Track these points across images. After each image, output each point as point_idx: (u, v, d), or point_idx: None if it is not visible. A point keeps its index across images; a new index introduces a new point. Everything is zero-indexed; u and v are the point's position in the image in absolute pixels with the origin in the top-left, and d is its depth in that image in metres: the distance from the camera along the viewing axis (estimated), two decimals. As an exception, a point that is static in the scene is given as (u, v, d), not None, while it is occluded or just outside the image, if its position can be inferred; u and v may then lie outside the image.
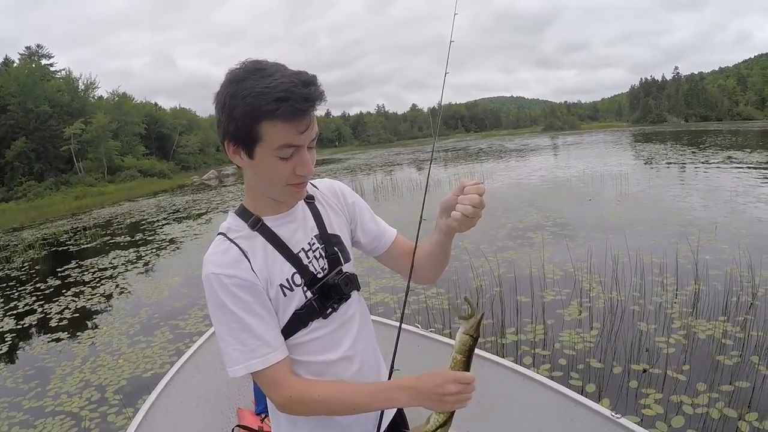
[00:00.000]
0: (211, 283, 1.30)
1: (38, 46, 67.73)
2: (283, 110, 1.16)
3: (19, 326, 8.19)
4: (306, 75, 1.21)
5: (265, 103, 1.16)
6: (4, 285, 11.77)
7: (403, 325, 3.34)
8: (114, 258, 13.03)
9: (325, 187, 1.60)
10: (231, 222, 1.42)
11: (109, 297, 9.22)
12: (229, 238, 1.37)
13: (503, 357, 3.22)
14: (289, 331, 1.39)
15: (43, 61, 66.79)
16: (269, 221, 1.41)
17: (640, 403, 3.96)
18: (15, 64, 63.19)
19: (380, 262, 1.70)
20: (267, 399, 1.47)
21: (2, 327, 8.27)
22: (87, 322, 7.94)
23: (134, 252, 13.52)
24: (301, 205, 1.49)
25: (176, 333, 6.67)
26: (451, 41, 1.82)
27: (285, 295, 1.37)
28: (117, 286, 9.99)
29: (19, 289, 11.01)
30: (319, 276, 1.44)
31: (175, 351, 6.05)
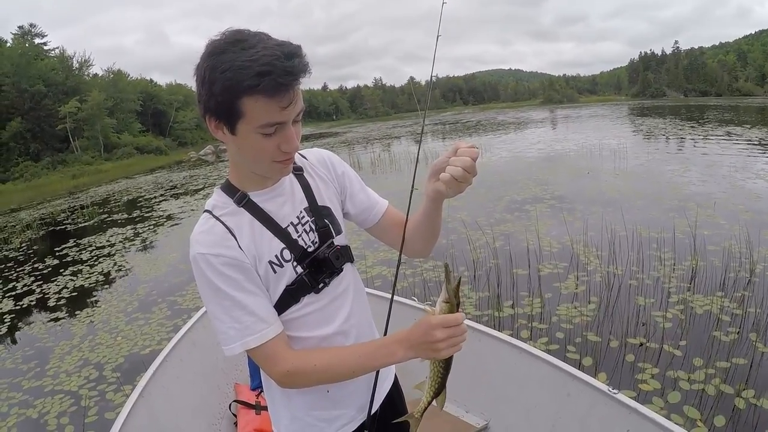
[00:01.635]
0: (198, 263, 1.27)
1: (31, 25, 66.07)
2: (265, 85, 1.10)
3: (17, 307, 8.20)
4: (290, 46, 1.15)
5: (246, 78, 1.10)
6: (2, 266, 11.73)
7: (400, 299, 3.34)
8: (112, 236, 13.02)
9: (314, 157, 1.56)
10: (216, 199, 1.38)
11: (107, 275, 9.22)
12: (214, 216, 1.33)
13: (500, 330, 3.21)
14: (281, 307, 1.37)
15: (36, 40, 65.32)
16: (255, 196, 1.37)
17: (637, 378, 3.98)
18: (8, 44, 61.79)
19: (371, 234, 1.67)
20: (262, 374, 1.46)
21: (1, 308, 8.27)
22: (85, 300, 7.94)
23: (132, 229, 13.50)
24: (289, 177, 1.45)
25: (174, 309, 6.68)
26: (443, 2, 1.78)
27: (275, 271, 1.35)
28: (115, 264, 9.98)
29: (17, 269, 11.00)
30: (309, 250, 1.40)
31: (173, 327, 6.06)
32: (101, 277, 9.09)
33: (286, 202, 1.41)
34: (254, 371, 3.59)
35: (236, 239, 1.30)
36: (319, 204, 1.47)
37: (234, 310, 1.28)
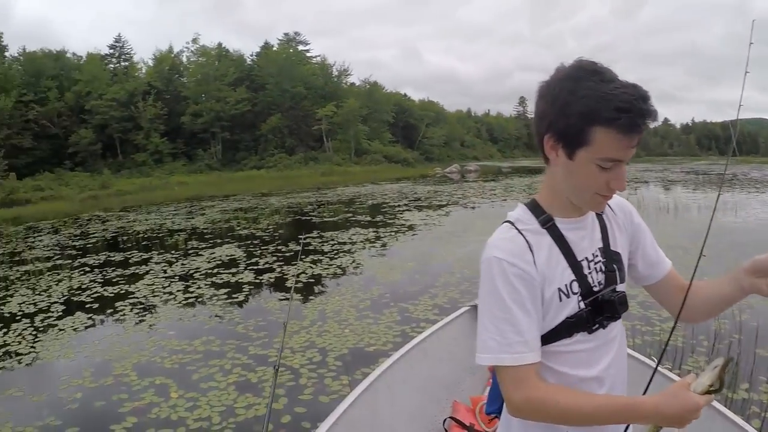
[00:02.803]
0: (491, 266, 1.39)
1: (296, 33, 78.27)
2: (623, 121, 1.23)
3: (257, 280, 9.45)
4: (643, 89, 1.26)
5: (605, 110, 1.23)
6: (249, 242, 13.66)
7: (634, 353, 3.22)
8: (353, 234, 14.17)
9: (614, 202, 1.63)
10: (520, 213, 1.51)
11: (344, 270, 10.06)
12: (516, 228, 1.46)
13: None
14: (552, 337, 1.44)
15: (300, 47, 76.52)
16: (560, 223, 1.48)
17: None
18: (274, 48, 73.27)
19: (648, 291, 1.72)
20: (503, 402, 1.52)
21: (242, 278, 9.58)
22: (320, 289, 8.79)
23: (373, 232, 14.53)
24: (592, 214, 1.54)
25: (404, 316, 7.01)
26: (750, 42, 1.68)
27: (560, 300, 1.43)
28: (353, 261, 10.86)
29: (261, 248, 12.68)
30: (595, 289, 1.48)
31: (400, 333, 6.37)
32: (338, 271, 9.94)
33: (585, 237, 1.51)
34: (497, 394, 3.63)
35: (533, 255, 1.41)
36: (611, 248, 1.55)
37: (503, 324, 1.37)
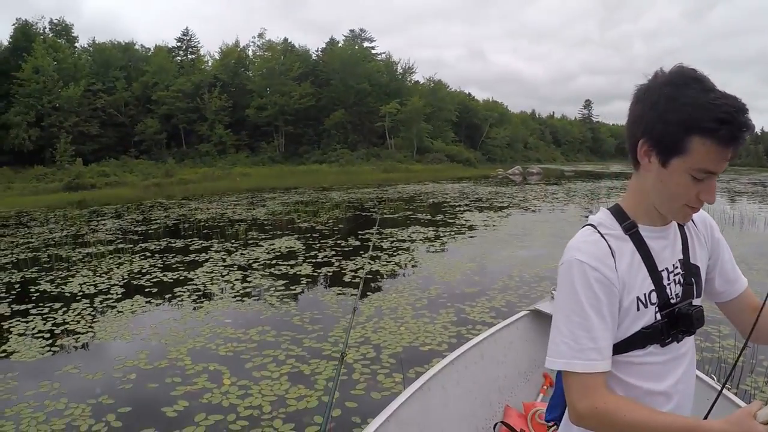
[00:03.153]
0: (572, 268, 1.38)
1: (361, 30, 79.00)
2: (723, 133, 1.22)
3: (314, 273, 9.51)
4: (742, 101, 1.25)
5: (706, 119, 1.22)
6: (309, 235, 13.81)
7: (697, 373, 3.08)
8: (413, 232, 14.15)
9: (696, 215, 1.61)
10: (603, 218, 1.49)
11: (402, 267, 10.04)
12: (599, 232, 1.44)
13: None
14: (625, 347, 1.43)
15: (365, 44, 77.23)
16: (644, 230, 1.46)
17: None
18: (339, 44, 74.26)
19: (721, 309, 1.71)
20: (564, 410, 1.51)
21: (300, 270, 9.66)
22: (377, 285, 8.76)
23: (433, 231, 14.47)
24: (674, 224, 1.53)
25: (461, 317, 6.93)
26: None
27: (638, 309, 1.42)
28: (412, 259, 10.83)
29: (321, 241, 12.80)
30: (672, 301, 1.47)
31: (456, 334, 6.29)
32: (396, 268, 9.92)
33: (667, 247, 1.50)
34: (559, 402, 3.56)
35: (615, 261, 1.40)
36: (691, 261, 1.55)
37: (578, 329, 1.36)
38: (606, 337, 1.36)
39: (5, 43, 55.83)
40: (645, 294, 1.42)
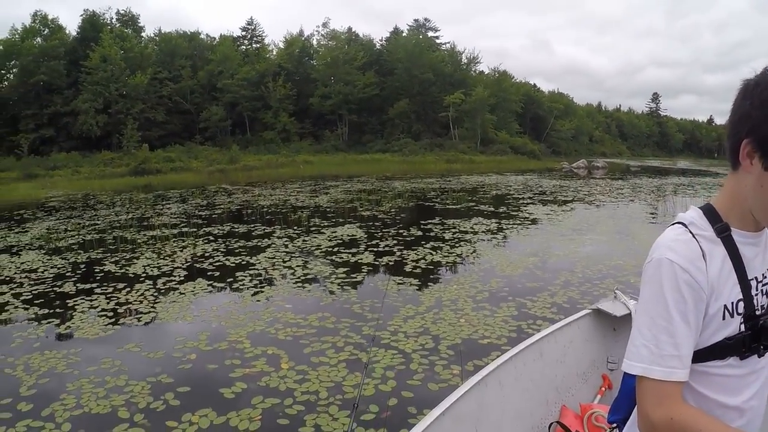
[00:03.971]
0: (661, 268, 1.32)
1: (425, 19, 79.14)
2: None
3: (376, 262, 9.59)
4: None
5: None
6: (371, 224, 13.94)
7: None
8: (475, 224, 14.06)
9: None
10: (695, 217, 1.42)
11: (464, 259, 10.01)
12: (691, 232, 1.37)
13: None
14: (704, 356, 1.37)
15: (429, 34, 77.46)
16: (736, 235, 1.39)
17: None
18: (404, 34, 74.71)
19: None
20: (633, 415, 1.49)
21: (362, 259, 9.76)
22: (438, 276, 8.76)
23: (495, 223, 14.35)
24: (766, 232, 1.46)
25: (521, 311, 6.86)
26: None
27: (723, 318, 1.35)
28: (474, 251, 10.77)
29: (382, 230, 12.89)
30: (757, 313, 1.39)
31: (516, 328, 6.23)
32: (458, 259, 9.90)
33: (758, 255, 1.43)
34: (623, 403, 3.51)
35: (706, 264, 1.34)
36: None
37: (662, 333, 1.31)
38: (689, 345, 1.32)
39: (74, 33, 58.30)
40: (732, 303, 1.35)
